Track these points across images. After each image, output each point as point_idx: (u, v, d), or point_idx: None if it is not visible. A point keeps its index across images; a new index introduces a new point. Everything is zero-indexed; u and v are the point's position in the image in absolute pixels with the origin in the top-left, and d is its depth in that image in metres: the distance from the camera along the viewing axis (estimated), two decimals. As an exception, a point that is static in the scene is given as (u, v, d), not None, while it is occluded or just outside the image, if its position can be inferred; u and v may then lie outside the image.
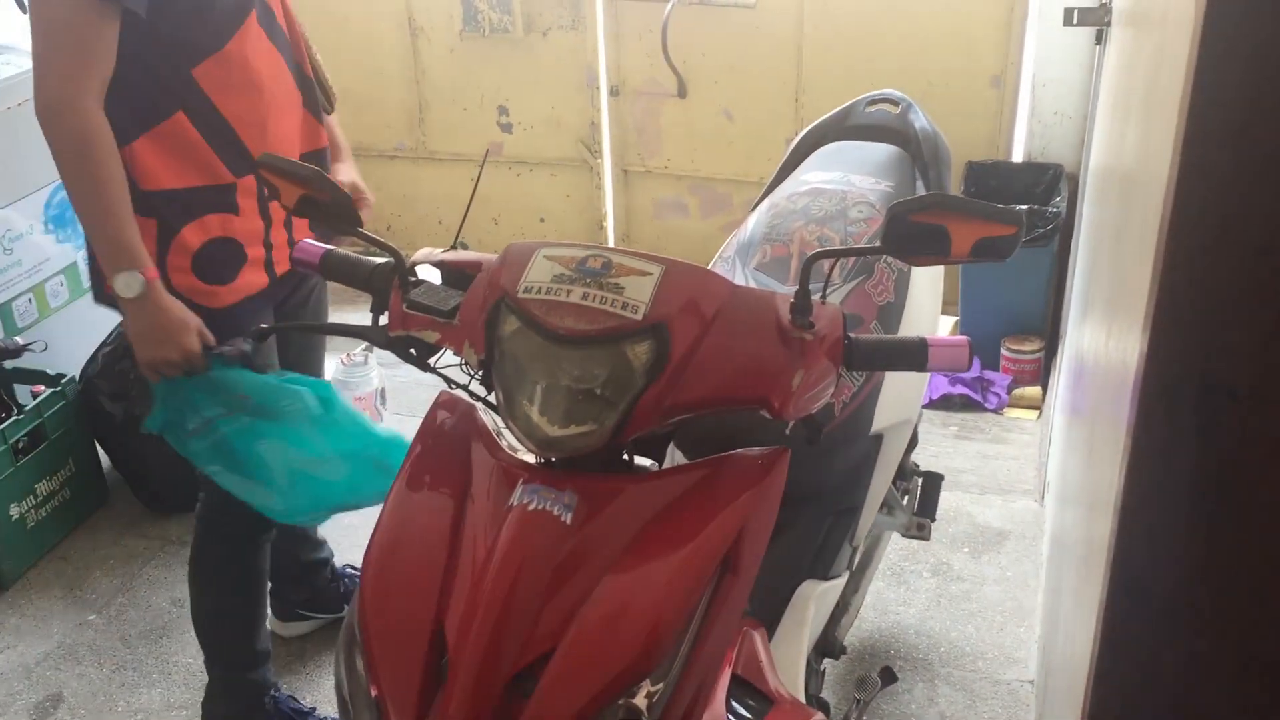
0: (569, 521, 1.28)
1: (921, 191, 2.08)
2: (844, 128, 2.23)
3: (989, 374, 3.59)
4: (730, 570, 1.32)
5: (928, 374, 1.89)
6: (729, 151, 4.03)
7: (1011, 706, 2.42)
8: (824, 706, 1.90)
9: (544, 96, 4.18)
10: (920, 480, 2.37)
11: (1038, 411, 3.50)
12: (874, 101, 2.25)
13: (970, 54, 3.62)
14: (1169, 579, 0.89)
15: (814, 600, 1.76)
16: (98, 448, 3.12)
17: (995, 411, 3.52)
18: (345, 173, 2.18)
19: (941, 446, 3.31)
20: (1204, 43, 0.73)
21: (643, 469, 1.45)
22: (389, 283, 1.48)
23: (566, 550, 1.27)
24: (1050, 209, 3.41)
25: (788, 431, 1.43)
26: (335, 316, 2.35)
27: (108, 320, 2.22)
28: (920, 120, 2.18)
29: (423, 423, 1.46)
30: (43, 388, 2.96)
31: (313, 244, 1.59)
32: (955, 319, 3.67)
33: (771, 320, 1.34)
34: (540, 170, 4.32)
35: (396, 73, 4.21)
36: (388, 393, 3.46)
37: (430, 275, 1.53)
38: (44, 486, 2.92)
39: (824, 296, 1.39)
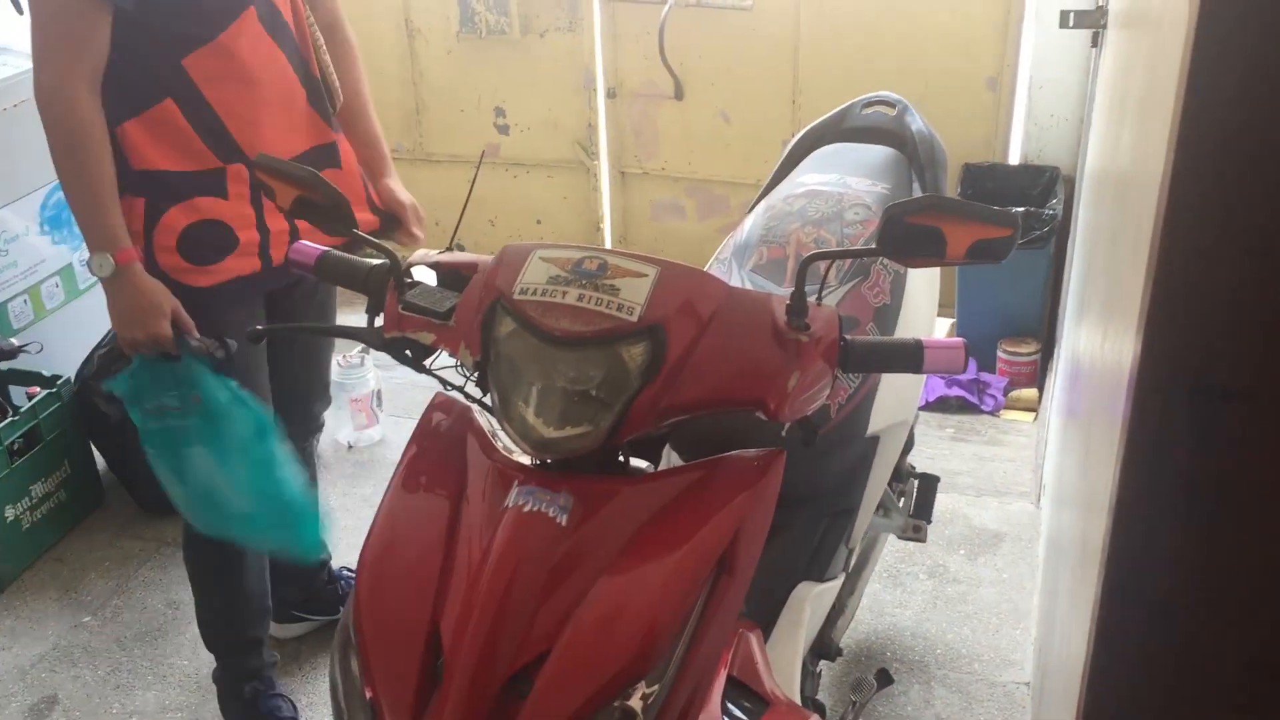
0: (564, 523, 1.28)
1: (918, 193, 2.08)
2: (840, 130, 2.23)
3: (985, 376, 3.60)
4: (726, 572, 1.32)
5: (924, 376, 1.89)
6: (726, 153, 4.03)
7: (1007, 708, 2.42)
8: (820, 708, 1.90)
9: (541, 98, 4.18)
10: (916, 482, 2.37)
11: (1034, 413, 3.50)
12: (870, 104, 2.25)
13: (966, 56, 3.62)
14: (1164, 580, 0.89)
15: (810, 602, 1.76)
16: (93, 449, 3.11)
17: (991, 413, 3.52)
18: (401, 191, 2.23)
19: (938, 448, 3.32)
20: (1198, 45, 0.73)
21: (638, 470, 1.45)
22: (385, 284, 1.48)
23: (562, 552, 1.27)
24: (1046, 211, 3.42)
25: (783, 433, 1.43)
26: (332, 318, 2.35)
27: (103, 322, 2.25)
28: (916, 122, 2.18)
29: (418, 424, 1.46)
30: (38, 389, 2.96)
31: (308, 245, 1.59)
32: (952, 321, 3.67)
33: (767, 322, 1.34)
34: (537, 172, 4.32)
35: (393, 74, 4.21)
36: (384, 394, 3.47)
37: (426, 277, 1.53)
38: (39, 488, 2.92)
39: (820, 298, 1.40)
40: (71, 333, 3.14)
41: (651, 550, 1.29)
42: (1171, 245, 0.78)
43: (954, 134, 2.95)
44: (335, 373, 3.36)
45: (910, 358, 1.37)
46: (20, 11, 3.11)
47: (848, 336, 1.38)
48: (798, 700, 1.65)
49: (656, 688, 1.24)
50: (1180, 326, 0.80)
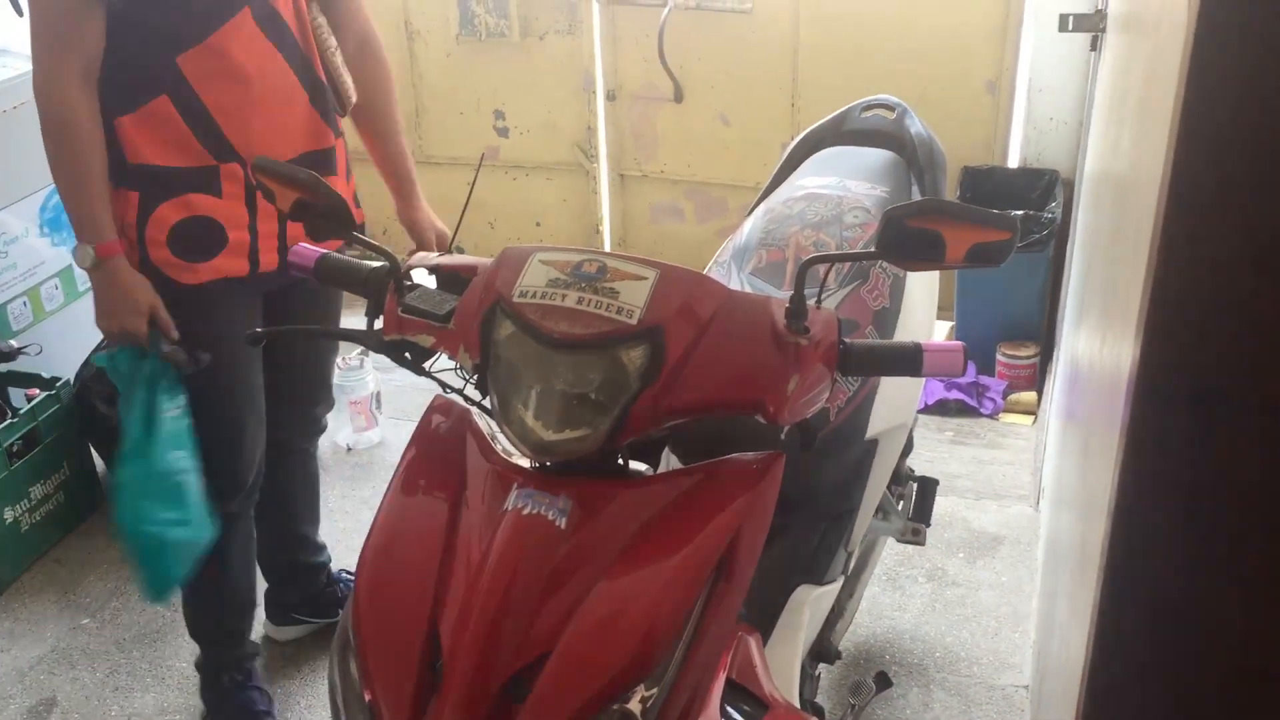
0: (563, 526, 1.28)
1: (917, 197, 2.08)
2: (840, 133, 2.23)
3: (984, 379, 3.60)
4: (725, 575, 1.31)
5: (923, 379, 1.89)
6: (725, 156, 4.03)
7: (1006, 712, 2.42)
8: (818, 711, 1.90)
9: (540, 101, 4.18)
10: (915, 485, 2.37)
11: (1033, 417, 3.51)
12: (869, 107, 2.26)
13: (965, 60, 3.62)
14: (1163, 584, 0.89)
15: (809, 605, 1.76)
16: (92, 451, 3.11)
17: (991, 417, 3.52)
18: (425, 215, 2.29)
19: (937, 451, 3.32)
20: (1197, 48, 0.73)
21: (637, 473, 1.45)
22: (384, 287, 1.48)
23: (561, 555, 1.27)
24: (1045, 214, 3.42)
25: (783, 436, 1.43)
26: (338, 320, 2.35)
27: (103, 323, 2.30)
28: (916, 125, 2.18)
29: (417, 426, 1.46)
30: (37, 391, 2.96)
31: (308, 248, 1.59)
32: (951, 324, 3.68)
33: (766, 325, 1.34)
34: (536, 174, 4.32)
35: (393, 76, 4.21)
36: (383, 396, 3.47)
37: (425, 279, 1.53)
38: (38, 490, 2.92)
39: (819, 301, 1.40)
40: (71, 335, 3.14)
41: (650, 553, 1.29)
42: (1171, 249, 0.78)
43: (953, 137, 2.95)
44: (334, 375, 3.37)
45: (909, 361, 1.37)
46: (20, 13, 3.12)
47: (847, 340, 1.38)
48: (796, 703, 1.65)
49: (655, 690, 1.24)
50: (1179, 330, 0.80)
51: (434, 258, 1.54)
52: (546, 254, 1.36)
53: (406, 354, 1.50)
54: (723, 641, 1.35)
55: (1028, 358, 3.57)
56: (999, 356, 3.60)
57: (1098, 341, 1.51)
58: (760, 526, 1.36)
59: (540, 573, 1.25)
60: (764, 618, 1.70)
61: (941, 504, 2.51)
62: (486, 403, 1.40)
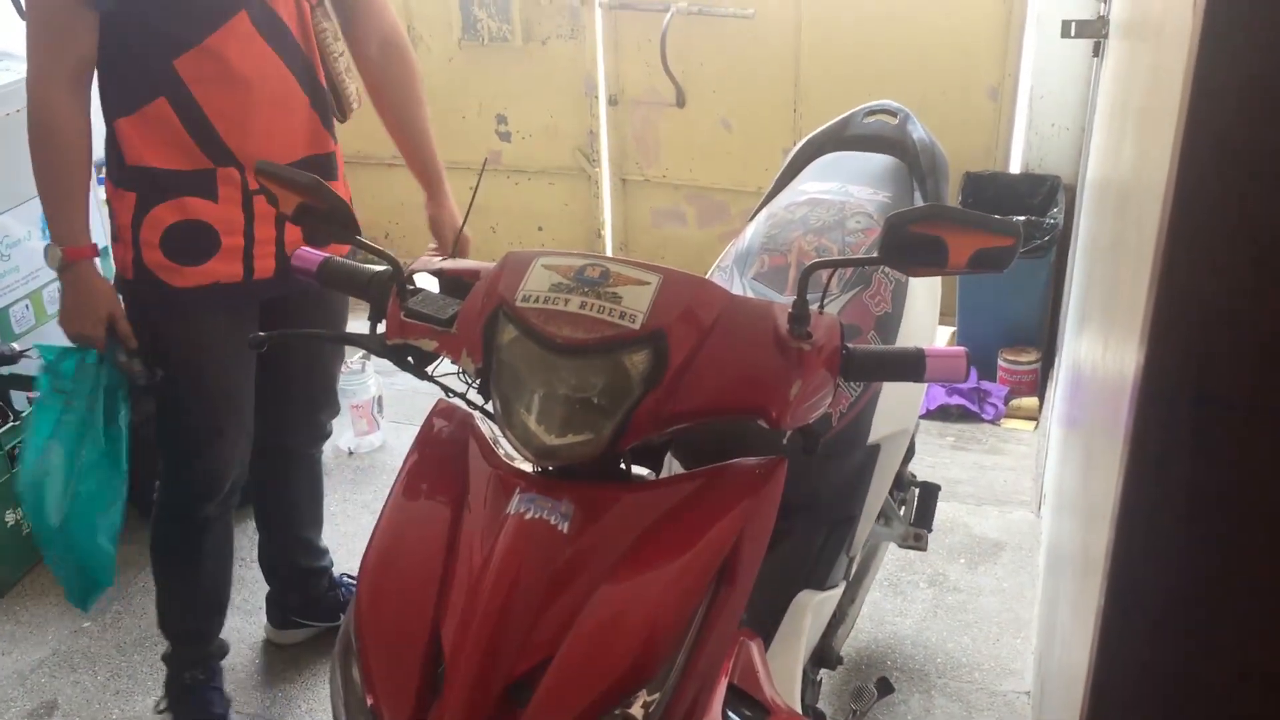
0: (566, 530, 1.28)
1: (919, 202, 2.08)
2: (842, 138, 2.23)
3: (986, 385, 3.60)
4: (727, 580, 1.31)
5: (925, 385, 1.89)
6: (727, 161, 4.03)
7: (1008, 718, 2.41)
8: (820, 717, 1.90)
9: (542, 105, 4.19)
10: (917, 491, 2.37)
11: (1035, 422, 3.51)
12: (872, 112, 2.26)
13: (967, 65, 3.63)
14: (1166, 590, 0.89)
15: (810, 610, 1.76)
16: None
17: (992, 422, 3.52)
18: (450, 215, 2.27)
19: (938, 457, 3.32)
20: (1201, 54, 0.73)
21: (640, 478, 1.45)
22: (387, 291, 1.48)
23: (563, 559, 1.27)
24: (1047, 220, 3.42)
25: (785, 441, 1.43)
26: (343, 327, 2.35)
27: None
28: (918, 131, 2.18)
29: (419, 431, 1.46)
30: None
31: (310, 252, 1.59)
32: (953, 329, 3.68)
33: (769, 330, 1.34)
34: (538, 179, 4.32)
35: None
36: (385, 400, 3.47)
37: (428, 284, 1.53)
38: (40, 493, 2.91)
39: (822, 306, 1.40)
40: (73, 338, 3.14)
41: (653, 558, 1.29)
42: (1175, 255, 0.78)
43: (955, 143, 2.95)
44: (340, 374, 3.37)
45: (912, 366, 1.37)
46: (23, 16, 3.12)
47: (850, 345, 1.38)
48: (798, 709, 1.64)
49: (657, 696, 1.23)
50: (1184, 336, 0.80)
51: (437, 262, 1.54)
52: (549, 259, 1.36)
53: (409, 358, 1.50)
54: (725, 646, 1.35)
55: (1029, 363, 3.57)
56: (1000, 362, 3.60)
57: (1100, 347, 1.51)
58: (763, 531, 1.36)
59: (542, 577, 1.25)
60: (766, 623, 1.70)
61: (943, 509, 2.51)
62: (489, 407, 1.40)
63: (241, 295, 2.07)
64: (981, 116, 3.68)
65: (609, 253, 4.29)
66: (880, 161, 2.15)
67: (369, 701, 1.26)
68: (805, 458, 1.42)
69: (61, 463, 2.12)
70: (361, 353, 3.37)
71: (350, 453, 3.40)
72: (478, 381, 1.41)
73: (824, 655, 1.99)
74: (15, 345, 2.93)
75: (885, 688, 2.03)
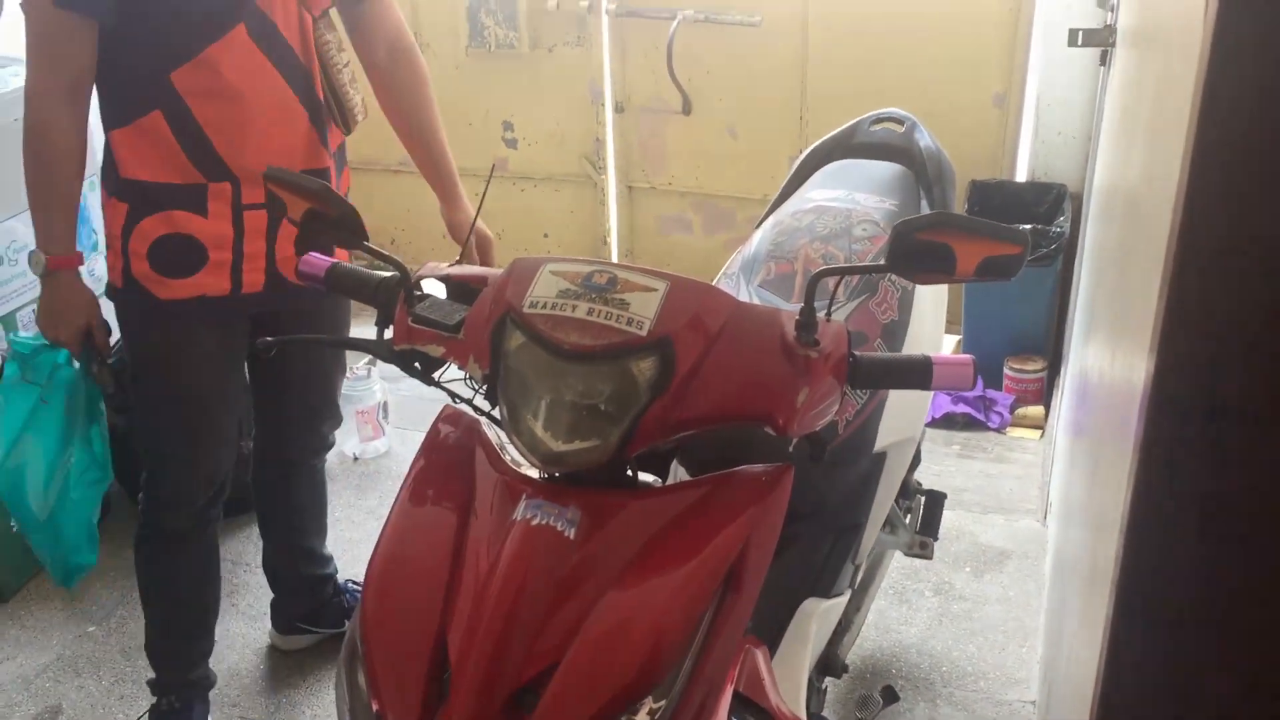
0: (572, 537, 1.28)
1: (926, 210, 2.09)
2: (849, 146, 2.24)
3: (991, 393, 3.59)
4: (733, 587, 1.31)
5: (931, 392, 1.89)
6: (733, 168, 4.04)
7: (1013, 727, 2.41)
8: (825, 725, 1.90)
9: (549, 112, 4.19)
10: (923, 499, 2.37)
11: (1040, 431, 3.50)
12: (879, 120, 2.26)
13: (974, 73, 3.63)
14: (1176, 601, 0.89)
15: (816, 618, 1.76)
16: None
17: (998, 430, 3.51)
18: (466, 219, 2.27)
19: (944, 465, 3.31)
20: (1213, 64, 0.73)
21: (646, 485, 1.45)
22: (394, 297, 1.48)
23: (569, 565, 1.27)
24: (1053, 228, 3.42)
25: (791, 448, 1.43)
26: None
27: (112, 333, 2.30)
28: (925, 139, 2.19)
29: (426, 437, 1.46)
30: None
31: (318, 257, 1.59)
32: (958, 337, 3.67)
33: (776, 337, 1.34)
34: (544, 186, 4.33)
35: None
36: (390, 406, 3.47)
37: (435, 289, 1.53)
38: (45, 498, 2.91)
39: (829, 314, 1.39)
40: (79, 342, 3.14)
41: (659, 565, 1.29)
42: (1185, 263, 0.78)
43: (961, 151, 2.95)
44: (342, 387, 3.37)
45: (919, 374, 1.37)
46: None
47: (857, 352, 1.38)
48: (804, 717, 1.64)
49: (663, 703, 1.23)
50: (1194, 345, 0.80)
51: (444, 268, 1.54)
52: (557, 265, 1.36)
53: (416, 364, 1.50)
54: (731, 654, 1.35)
55: (1035, 372, 3.56)
56: (1006, 370, 3.59)
57: (1108, 356, 1.51)
58: (769, 539, 1.35)
59: (549, 583, 1.25)
60: (771, 630, 1.70)
61: (948, 518, 2.51)
62: (496, 413, 1.40)
63: (229, 309, 2.05)
64: (987, 125, 3.68)
65: (615, 260, 4.29)
66: (887, 169, 2.15)
67: (374, 707, 1.26)
68: (811, 465, 1.42)
69: (42, 459, 2.18)
70: (367, 358, 3.38)
71: (355, 458, 3.40)
72: (484, 387, 1.41)
73: (829, 663, 1.98)
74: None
75: (890, 696, 2.02)
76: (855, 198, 2.02)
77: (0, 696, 2.57)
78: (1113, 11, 2.67)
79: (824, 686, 2.00)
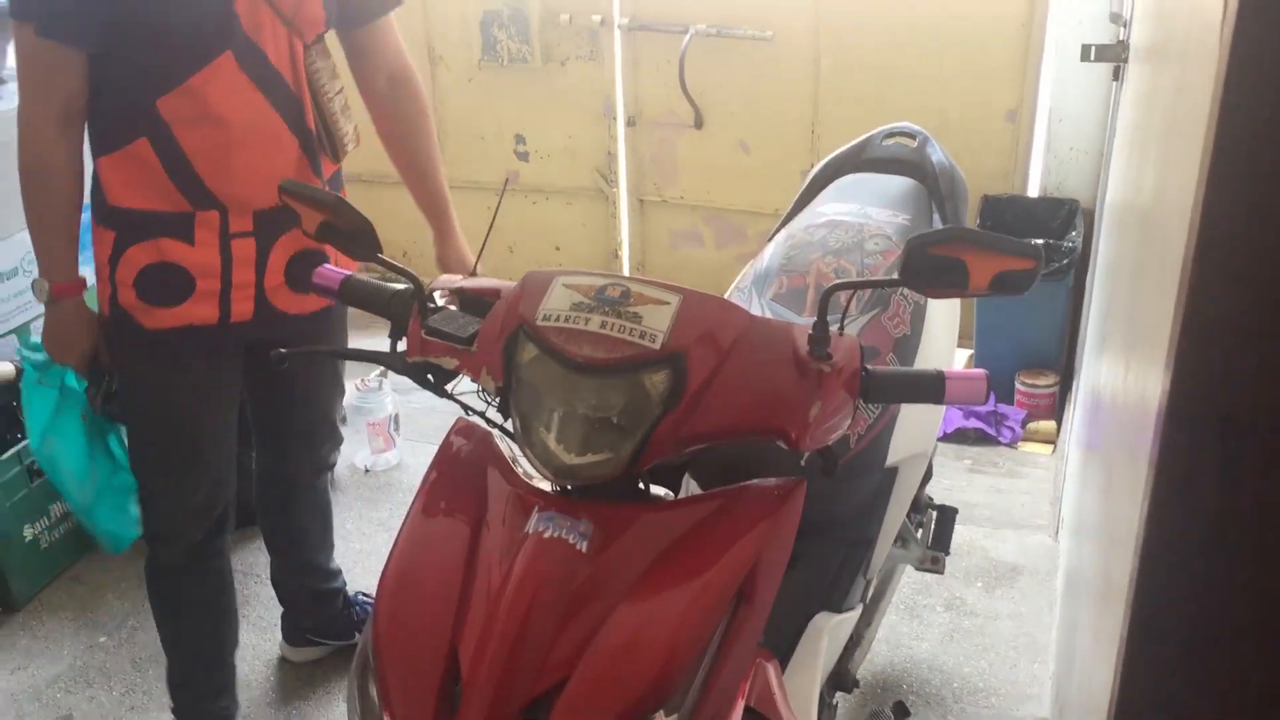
0: (584, 550, 1.28)
1: (938, 224, 2.09)
2: (861, 160, 2.24)
3: (1003, 408, 3.58)
4: (745, 601, 1.31)
5: (943, 407, 1.88)
6: (744, 182, 4.04)
7: (1025, 744, 2.40)
8: (836, 741, 1.89)
9: (561, 126, 4.21)
10: (934, 514, 2.36)
11: (1052, 446, 3.49)
12: (891, 134, 2.26)
13: (985, 88, 3.63)
14: (1192, 617, 0.89)
15: (827, 632, 1.75)
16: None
17: (1009, 445, 3.50)
18: (460, 254, 2.25)
19: (955, 480, 3.30)
20: (1229, 77, 0.73)
21: (658, 498, 1.45)
22: (408, 309, 1.48)
23: (581, 578, 1.27)
24: (1065, 243, 3.42)
25: (803, 462, 1.42)
26: (352, 342, 2.36)
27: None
28: (937, 153, 2.19)
29: (439, 449, 1.47)
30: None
31: (332, 270, 1.60)
32: (970, 352, 3.67)
33: (789, 351, 1.34)
34: (556, 199, 4.34)
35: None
36: (401, 418, 3.47)
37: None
38: (58, 508, 2.92)
39: (841, 328, 1.39)
40: (93, 353, 3.15)
41: (671, 579, 1.29)
42: (1202, 278, 0.78)
43: (973, 165, 2.96)
44: (353, 396, 3.38)
45: (932, 388, 1.37)
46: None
47: (869, 366, 1.38)
48: (815, 732, 1.64)
49: (675, 717, 1.23)
50: (1210, 361, 0.80)
51: (458, 280, 1.55)
52: (570, 278, 1.36)
53: (429, 376, 1.50)
54: (743, 668, 1.35)
55: (1047, 386, 3.55)
56: (1018, 385, 3.59)
57: (1121, 371, 1.51)
58: (781, 553, 1.35)
59: (561, 596, 1.25)
60: (782, 645, 1.69)
61: (960, 533, 2.50)
62: (508, 426, 1.40)
63: (217, 338, 2.02)
64: (1000, 140, 3.69)
65: (625, 273, 4.30)
66: (899, 184, 2.15)
67: (386, 719, 1.26)
68: (823, 479, 1.42)
69: (71, 456, 2.33)
70: (379, 370, 3.38)
71: (366, 470, 3.41)
72: (497, 400, 1.42)
73: (840, 678, 1.98)
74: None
75: (901, 712, 2.01)
76: (868, 212, 2.02)
77: (11, 706, 2.57)
78: (1125, 27, 2.67)
79: (835, 702, 1.99)
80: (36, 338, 3.09)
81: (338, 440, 2.46)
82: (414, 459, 3.43)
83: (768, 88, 3.87)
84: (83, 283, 2.02)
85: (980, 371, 1.36)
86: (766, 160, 3.97)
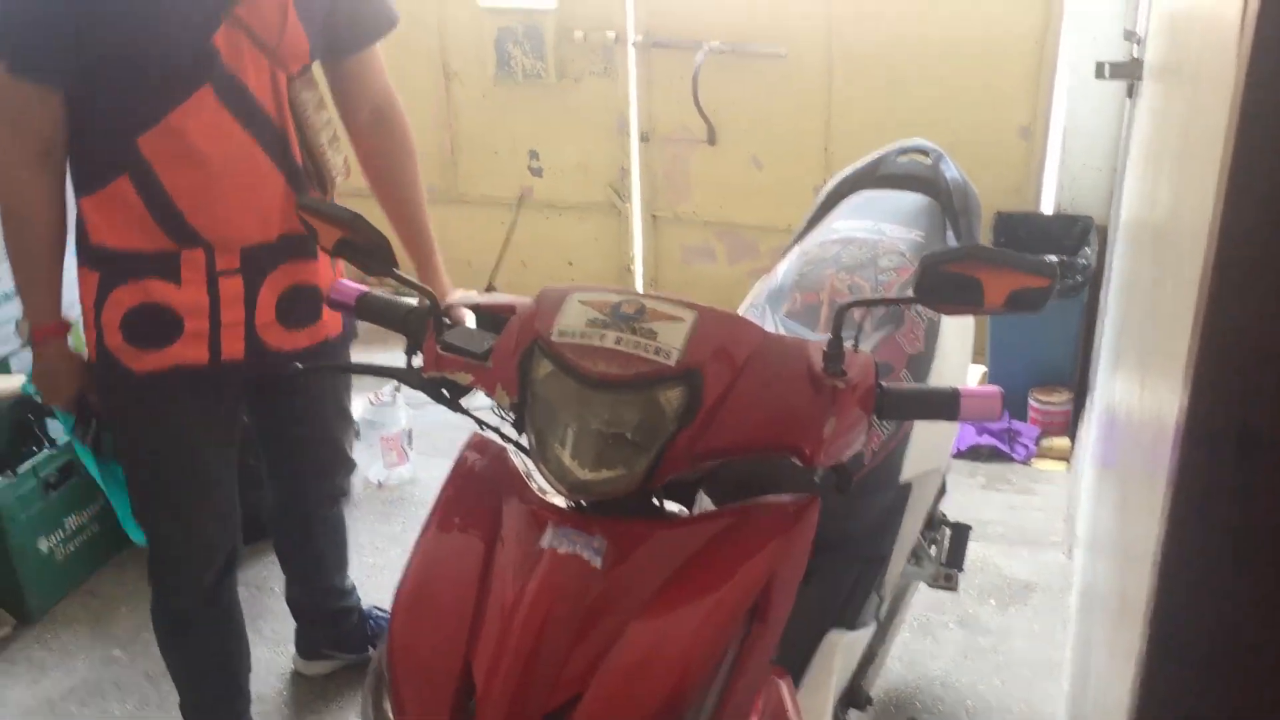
0: (598, 566, 1.28)
1: (952, 241, 2.09)
2: (875, 177, 2.24)
3: (1017, 425, 3.57)
4: (759, 618, 1.31)
5: (957, 424, 1.88)
6: (757, 199, 4.05)
7: (1040, 763, 2.38)
8: (850, 758, 1.88)
9: (575, 142, 4.22)
10: (948, 531, 2.36)
11: (1066, 463, 3.48)
12: (905, 151, 2.26)
13: (999, 105, 3.63)
14: (1210, 636, 0.88)
15: (841, 650, 1.75)
16: (127, 483, 3.13)
17: (1023, 463, 3.49)
18: (443, 293, 2.12)
19: (969, 497, 3.29)
20: (1247, 95, 0.73)
21: (672, 514, 1.45)
22: (424, 324, 1.49)
23: (595, 594, 1.27)
24: (1079, 260, 3.41)
25: (817, 479, 1.42)
26: (364, 357, 2.36)
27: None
28: (951, 170, 2.19)
29: (454, 464, 1.47)
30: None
31: (348, 285, 1.61)
32: (983, 369, 3.66)
33: (803, 368, 1.35)
34: (569, 214, 4.35)
35: (429, 116, 4.26)
36: (415, 433, 3.48)
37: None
38: (73, 521, 2.94)
39: (855, 345, 1.40)
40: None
41: (685, 595, 1.29)
42: (1219, 295, 0.78)
43: (986, 182, 2.95)
44: (367, 410, 3.39)
45: (947, 405, 1.37)
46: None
47: (884, 383, 1.38)
48: (829, 749, 1.63)
49: (689, 734, 1.23)
50: (1228, 378, 0.80)
51: (474, 296, 1.55)
52: (585, 294, 1.36)
53: (444, 391, 1.51)
54: (756, 685, 1.34)
55: (1060, 403, 3.54)
56: (1031, 402, 3.58)
57: (1136, 388, 1.50)
58: (795, 570, 1.35)
59: (575, 612, 1.25)
60: (795, 662, 1.69)
61: (973, 550, 2.49)
62: (523, 441, 1.40)
63: (208, 379, 1.96)
64: (1013, 156, 3.68)
65: (638, 288, 4.30)
66: (913, 200, 2.15)
67: (400, 734, 1.26)
68: (837, 496, 1.41)
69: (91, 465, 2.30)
70: (393, 384, 3.39)
71: (380, 485, 3.41)
72: (512, 415, 1.42)
73: (853, 696, 1.97)
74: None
75: (916, 730, 2.00)
76: (881, 228, 2.02)
77: None
78: (1139, 44, 2.68)
79: (848, 719, 1.99)
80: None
81: (350, 467, 2.43)
82: (427, 473, 3.44)
83: (781, 104, 3.88)
84: (65, 325, 1.98)
85: (995, 389, 1.36)
86: (779, 176, 3.98)
